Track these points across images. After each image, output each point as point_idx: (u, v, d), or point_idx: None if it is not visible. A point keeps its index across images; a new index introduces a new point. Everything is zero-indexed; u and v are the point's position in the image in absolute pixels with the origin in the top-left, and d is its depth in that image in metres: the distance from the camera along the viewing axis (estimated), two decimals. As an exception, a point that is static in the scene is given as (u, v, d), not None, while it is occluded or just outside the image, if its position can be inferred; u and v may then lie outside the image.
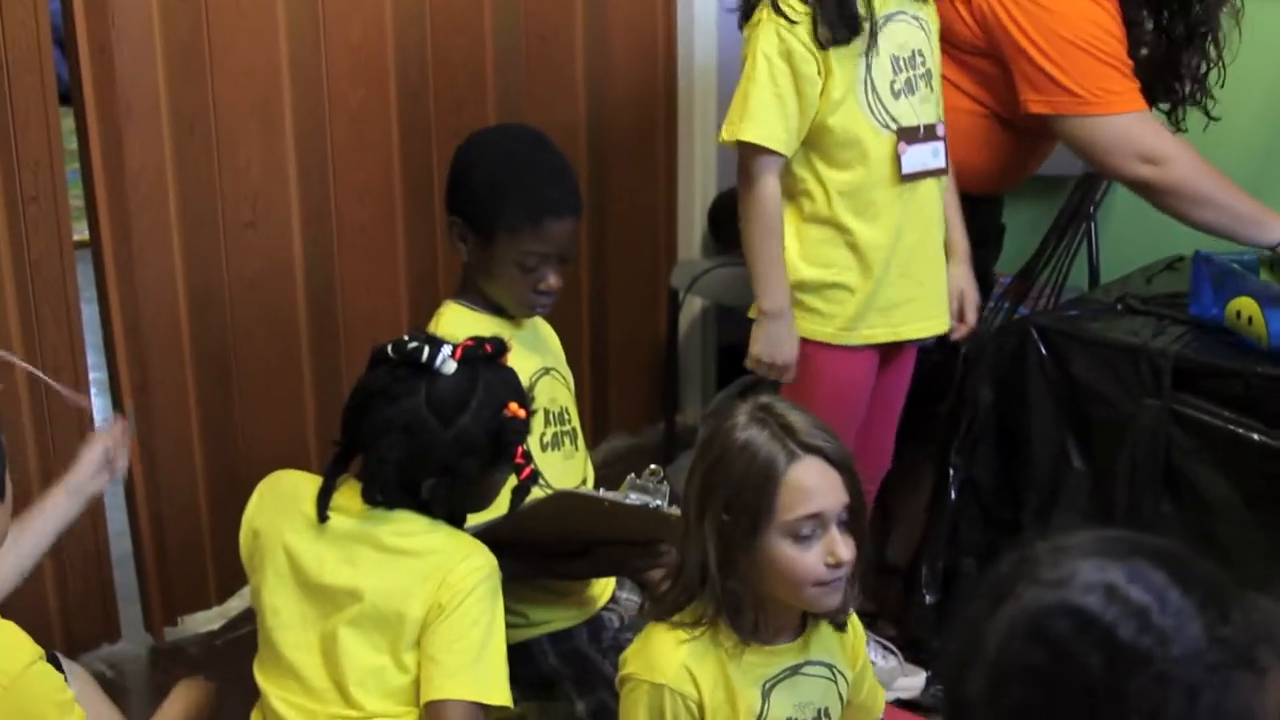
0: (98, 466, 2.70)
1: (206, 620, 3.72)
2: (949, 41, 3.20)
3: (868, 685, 2.46)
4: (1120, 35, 3.22)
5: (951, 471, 3.33)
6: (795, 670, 2.26)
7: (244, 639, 3.62)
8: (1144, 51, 3.32)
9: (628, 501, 2.48)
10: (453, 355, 2.32)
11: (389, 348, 2.34)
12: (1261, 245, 3.20)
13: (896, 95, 2.97)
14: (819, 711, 2.30)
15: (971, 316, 3.25)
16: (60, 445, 3.29)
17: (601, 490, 2.57)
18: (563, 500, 2.52)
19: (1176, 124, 3.50)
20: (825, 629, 2.30)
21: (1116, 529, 1.42)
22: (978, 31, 3.25)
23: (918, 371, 3.35)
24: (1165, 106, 3.48)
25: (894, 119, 2.97)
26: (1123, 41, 3.22)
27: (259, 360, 3.62)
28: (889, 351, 3.17)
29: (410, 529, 2.34)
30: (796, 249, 3.04)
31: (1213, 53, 3.42)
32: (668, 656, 2.18)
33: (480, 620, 2.30)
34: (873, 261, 3.02)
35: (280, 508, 2.43)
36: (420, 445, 2.31)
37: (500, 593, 2.34)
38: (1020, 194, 3.82)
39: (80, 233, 3.34)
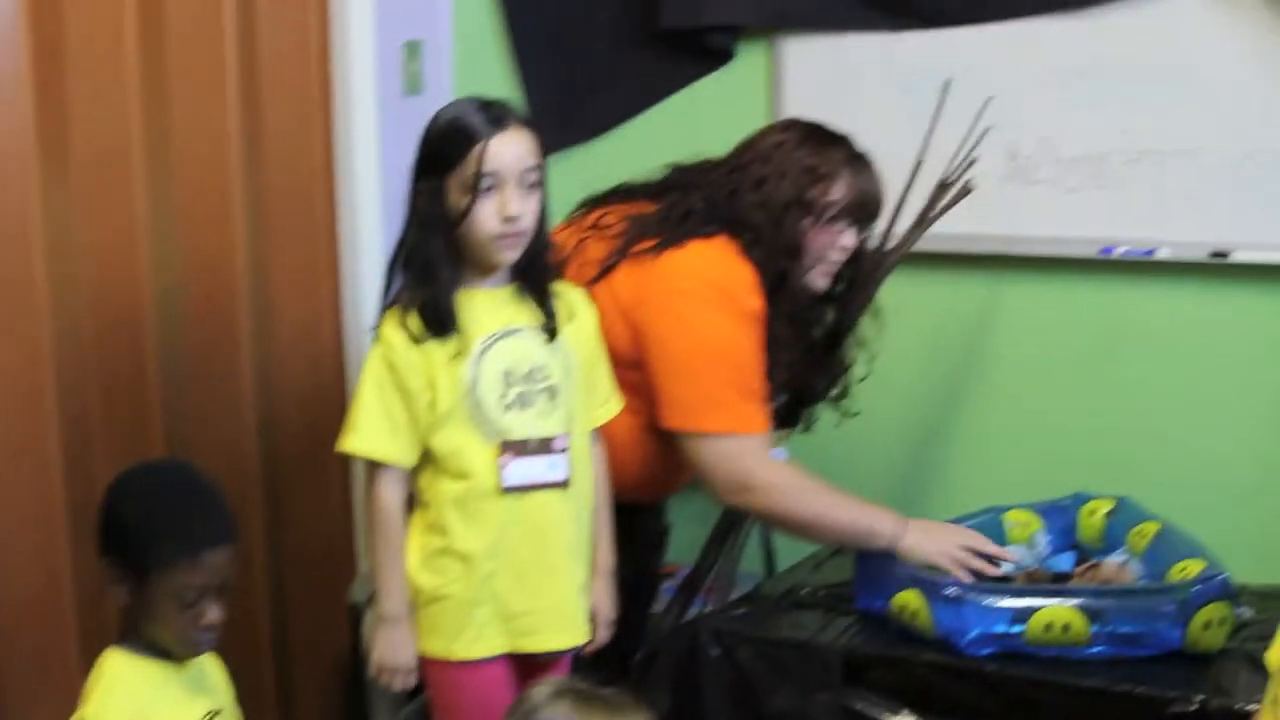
0: None
1: None
2: (611, 353, 3.26)
3: None
4: (753, 354, 3.28)
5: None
6: None
7: None
8: (787, 365, 3.36)
9: None
10: None
11: None
12: (884, 550, 3.25)
13: (506, 409, 3.02)
14: None
15: (602, 634, 3.24)
16: None
17: None
18: None
19: (808, 425, 3.62)
20: None
21: None
22: (631, 344, 3.31)
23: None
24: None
25: (501, 432, 3.02)
26: (755, 361, 3.28)
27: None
28: (529, 666, 3.13)
29: None
30: (417, 558, 3.08)
31: (854, 354, 3.57)
32: None
33: None
34: (477, 571, 3.04)
35: None
36: None
37: None
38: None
39: None
